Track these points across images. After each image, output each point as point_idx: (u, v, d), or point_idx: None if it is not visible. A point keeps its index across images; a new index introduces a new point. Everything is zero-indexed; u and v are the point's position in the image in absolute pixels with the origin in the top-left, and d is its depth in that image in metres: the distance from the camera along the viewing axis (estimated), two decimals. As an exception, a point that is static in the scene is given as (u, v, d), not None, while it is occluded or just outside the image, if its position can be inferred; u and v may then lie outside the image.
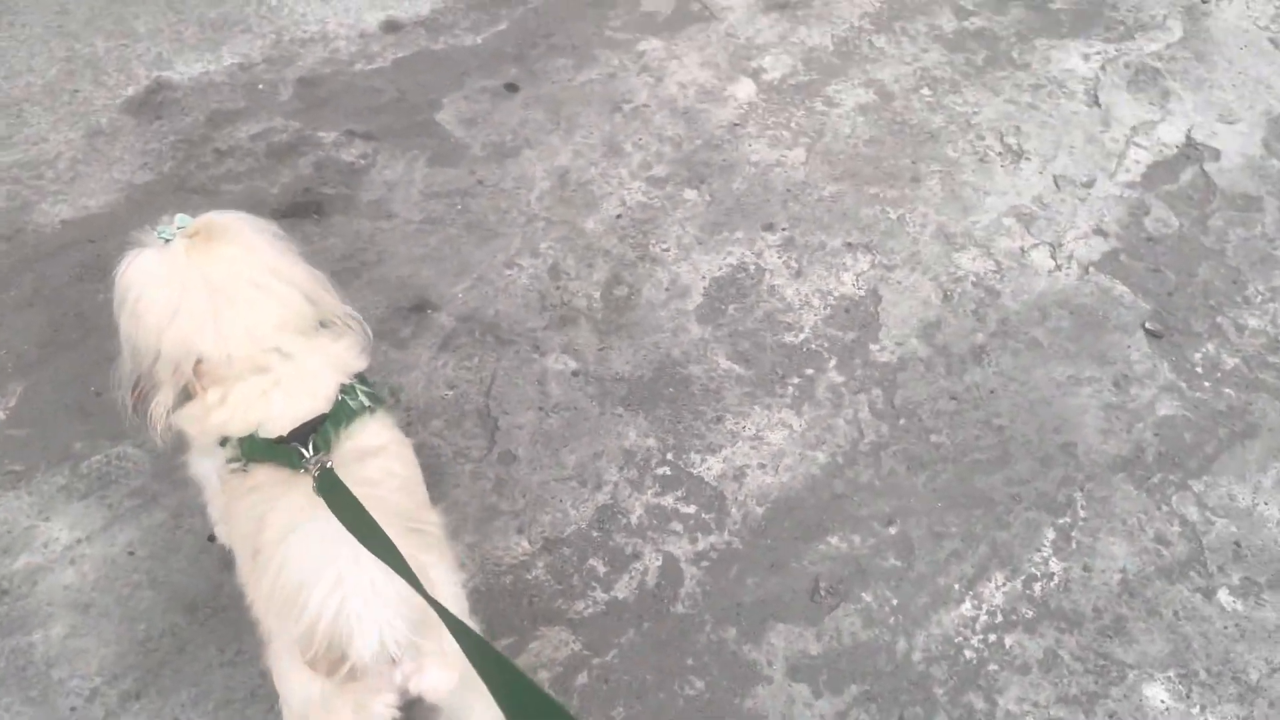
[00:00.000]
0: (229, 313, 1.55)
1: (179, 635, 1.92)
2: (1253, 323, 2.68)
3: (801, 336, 2.55)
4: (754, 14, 3.51)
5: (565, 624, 1.99)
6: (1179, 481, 2.32)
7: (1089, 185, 3.00)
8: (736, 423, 2.35)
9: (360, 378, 1.75)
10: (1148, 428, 2.42)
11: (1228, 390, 2.52)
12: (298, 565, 1.32)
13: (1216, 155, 3.13)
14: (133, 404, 1.58)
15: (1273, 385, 2.54)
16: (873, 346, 2.54)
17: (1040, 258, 2.79)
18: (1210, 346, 2.61)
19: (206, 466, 1.69)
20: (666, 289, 2.62)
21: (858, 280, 2.69)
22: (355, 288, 2.53)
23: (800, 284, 2.66)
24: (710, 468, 2.26)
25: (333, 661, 1.33)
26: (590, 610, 2.02)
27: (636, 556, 2.11)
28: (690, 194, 2.87)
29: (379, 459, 1.64)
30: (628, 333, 2.50)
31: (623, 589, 2.06)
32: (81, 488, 2.11)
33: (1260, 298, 2.75)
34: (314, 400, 1.62)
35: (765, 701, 1.93)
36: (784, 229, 2.80)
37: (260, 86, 3.04)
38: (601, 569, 2.08)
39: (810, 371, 2.48)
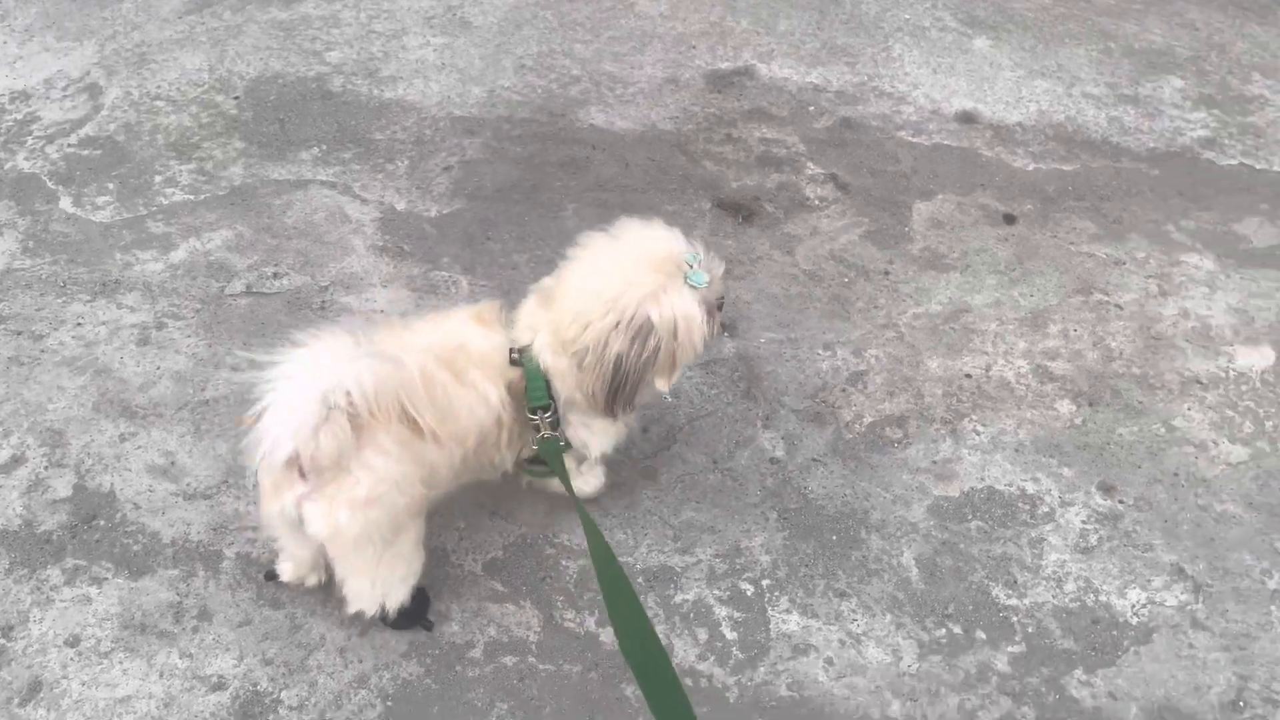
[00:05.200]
0: None
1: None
2: None
3: (1013, 601, 2.10)
4: (1369, 299, 2.72)
5: (545, 615, 2.06)
6: None
7: None
8: (855, 612, 2.07)
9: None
10: None
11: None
12: (288, 364, 1.63)
13: None
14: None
15: None
16: (1078, 673, 1.99)
17: None
18: None
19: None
20: (934, 461, 2.34)
21: (1143, 607, 2.09)
22: (701, 283, 2.72)
23: (1074, 560, 2.16)
24: (786, 622, 2.06)
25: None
26: (570, 624, 2.05)
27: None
28: (1064, 407, 2.45)
29: None
30: (856, 468, 2.32)
31: (608, 636, 2.04)
32: (419, 283, 2.71)
33: None
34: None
35: (597, 818, 1.80)
36: (1122, 503, 2.26)
37: (810, 109, 3.30)
38: (613, 607, 2.08)
39: (983, 636, 2.05)
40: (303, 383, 1.57)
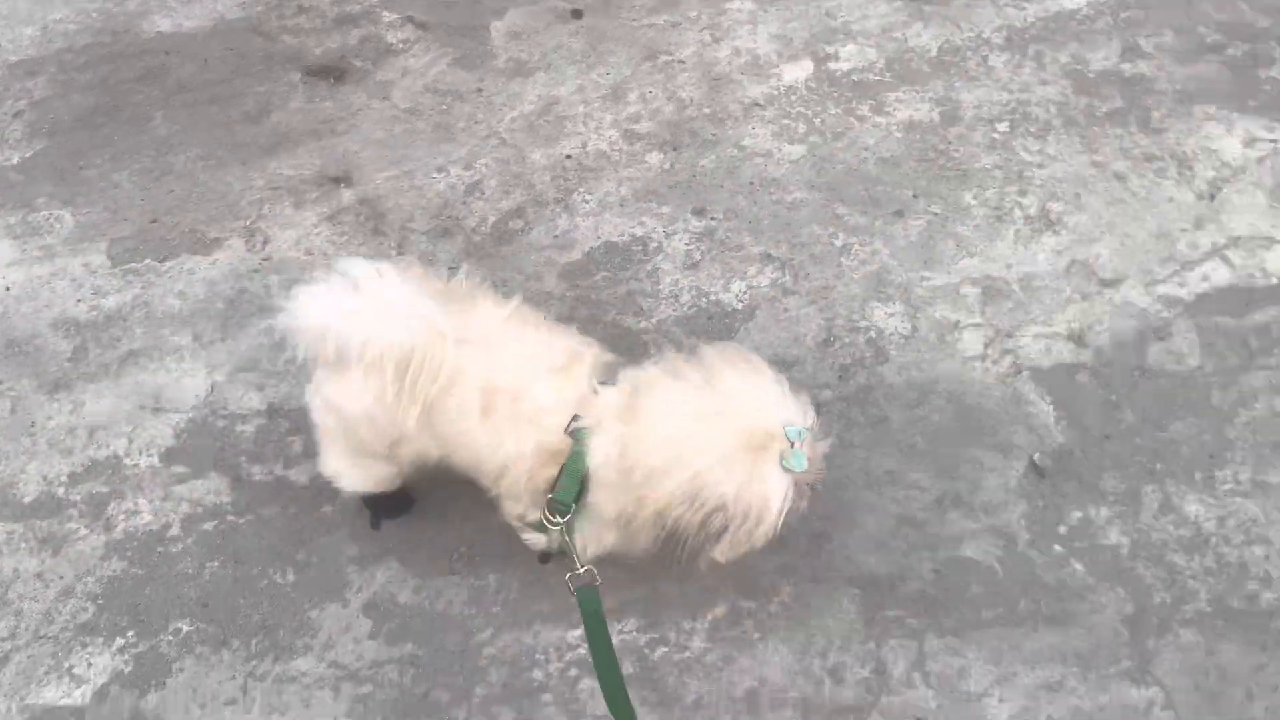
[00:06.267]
0: None
1: None
2: (1192, 508, 2.06)
3: (643, 324, 2.40)
4: (878, -2, 3.17)
5: (232, 477, 2.16)
6: (914, 630, 1.93)
7: (1111, 284, 2.42)
8: (515, 378, 2.31)
9: None
10: (937, 563, 2.01)
11: (1076, 566, 1.99)
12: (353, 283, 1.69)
13: (1333, 305, 2.36)
14: None
15: (1138, 582, 1.96)
16: (705, 361, 2.33)
17: (970, 340, 2.34)
18: (1102, 512, 2.07)
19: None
20: (555, 237, 2.58)
21: (745, 293, 2.45)
22: (307, 149, 2.79)
23: (686, 276, 2.49)
24: (456, 406, 2.27)
25: None
26: (259, 477, 2.17)
27: (332, 451, 2.20)
28: (654, 158, 2.75)
29: None
30: (491, 263, 2.53)
31: (297, 474, 2.17)
32: (18, 231, 2.63)
33: (1228, 486, 2.09)
34: None
35: (328, 619, 1.97)
36: (714, 219, 2.60)
37: (374, -38, 3.36)
38: (299, 447, 2.21)
39: (625, 360, 2.34)
40: (342, 303, 1.64)
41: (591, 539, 1.70)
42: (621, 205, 2.65)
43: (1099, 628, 1.92)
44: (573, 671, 1.90)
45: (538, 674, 1.90)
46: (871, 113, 2.83)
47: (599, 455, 1.59)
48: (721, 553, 1.55)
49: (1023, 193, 2.62)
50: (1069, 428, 2.19)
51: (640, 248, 2.56)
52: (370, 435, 1.75)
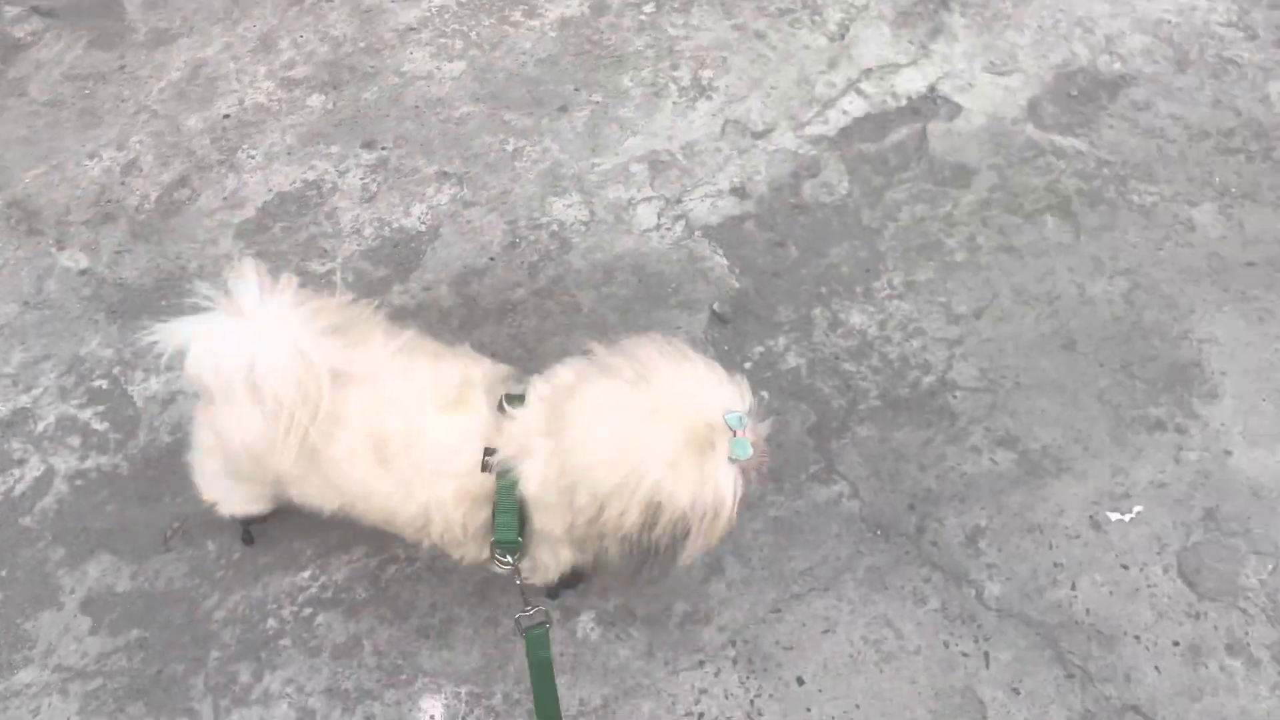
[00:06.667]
0: None
1: None
2: (856, 319, 2.25)
3: (328, 266, 2.39)
4: (519, -94, 3.19)
5: (-87, 515, 2.05)
6: (626, 488, 2.04)
7: (762, 135, 2.58)
8: (206, 346, 2.26)
9: None
10: (637, 422, 2.12)
11: (763, 394, 2.15)
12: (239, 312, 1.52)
13: (954, 113, 2.59)
14: None
15: (817, 395, 2.14)
16: (396, 288, 2.35)
17: (644, 214, 2.45)
18: (779, 341, 2.23)
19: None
20: (225, 198, 2.52)
21: (427, 214, 2.47)
22: (-61, 162, 2.61)
23: (365, 210, 2.48)
24: (148, 388, 2.21)
25: None
26: (-56, 506, 2.06)
27: (20, 463, 2.11)
28: (315, 100, 2.71)
29: None
30: (159, 239, 2.45)
31: (-14, 490, 2.08)
32: None
33: (885, 292, 2.30)
34: None
35: (44, 626, 1.91)
36: (385, 149, 2.60)
37: (-18, -47, 3.12)
38: (-20, 469, 2.11)
39: (316, 304, 2.33)
40: (229, 332, 1.49)
41: (549, 559, 1.62)
42: (289, 153, 2.60)
43: (788, 444, 2.09)
44: (307, 611, 1.92)
45: (272, 623, 1.91)
46: (524, 17, 2.87)
47: (534, 481, 1.47)
48: (690, 555, 1.47)
49: (675, 67, 2.73)
50: (742, 274, 2.34)
51: (315, 191, 2.53)
52: (251, 468, 1.65)
